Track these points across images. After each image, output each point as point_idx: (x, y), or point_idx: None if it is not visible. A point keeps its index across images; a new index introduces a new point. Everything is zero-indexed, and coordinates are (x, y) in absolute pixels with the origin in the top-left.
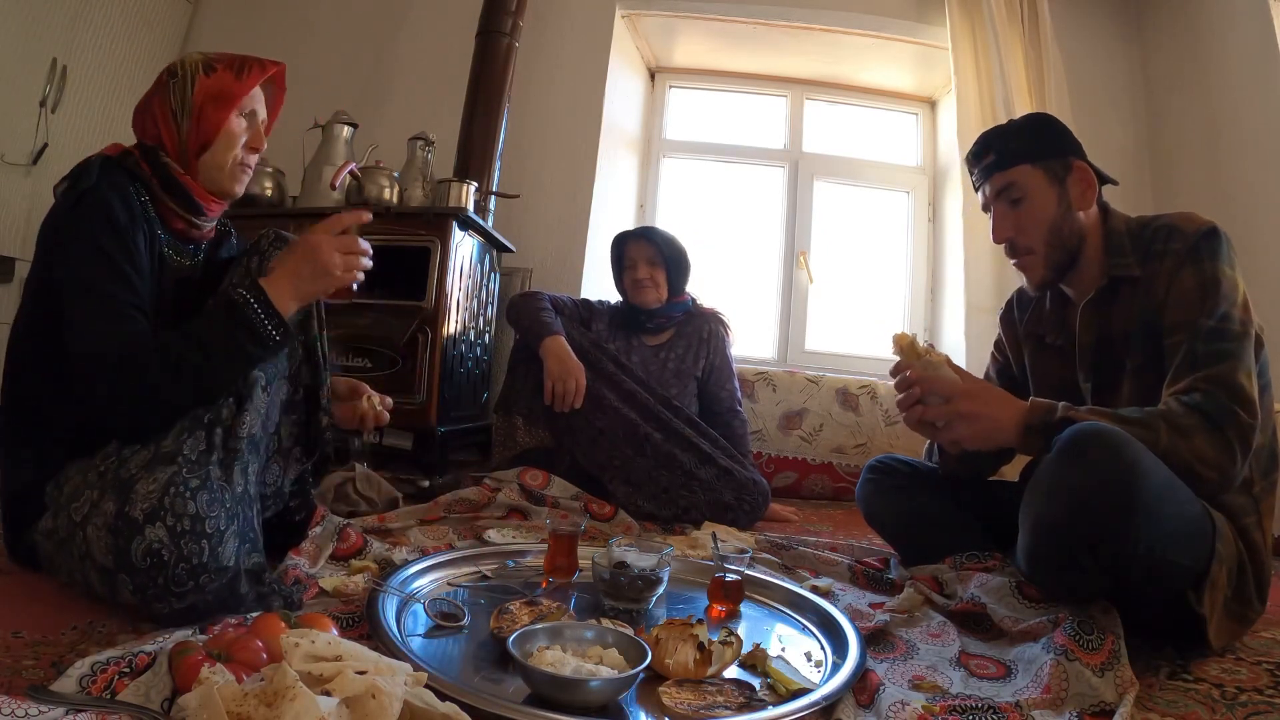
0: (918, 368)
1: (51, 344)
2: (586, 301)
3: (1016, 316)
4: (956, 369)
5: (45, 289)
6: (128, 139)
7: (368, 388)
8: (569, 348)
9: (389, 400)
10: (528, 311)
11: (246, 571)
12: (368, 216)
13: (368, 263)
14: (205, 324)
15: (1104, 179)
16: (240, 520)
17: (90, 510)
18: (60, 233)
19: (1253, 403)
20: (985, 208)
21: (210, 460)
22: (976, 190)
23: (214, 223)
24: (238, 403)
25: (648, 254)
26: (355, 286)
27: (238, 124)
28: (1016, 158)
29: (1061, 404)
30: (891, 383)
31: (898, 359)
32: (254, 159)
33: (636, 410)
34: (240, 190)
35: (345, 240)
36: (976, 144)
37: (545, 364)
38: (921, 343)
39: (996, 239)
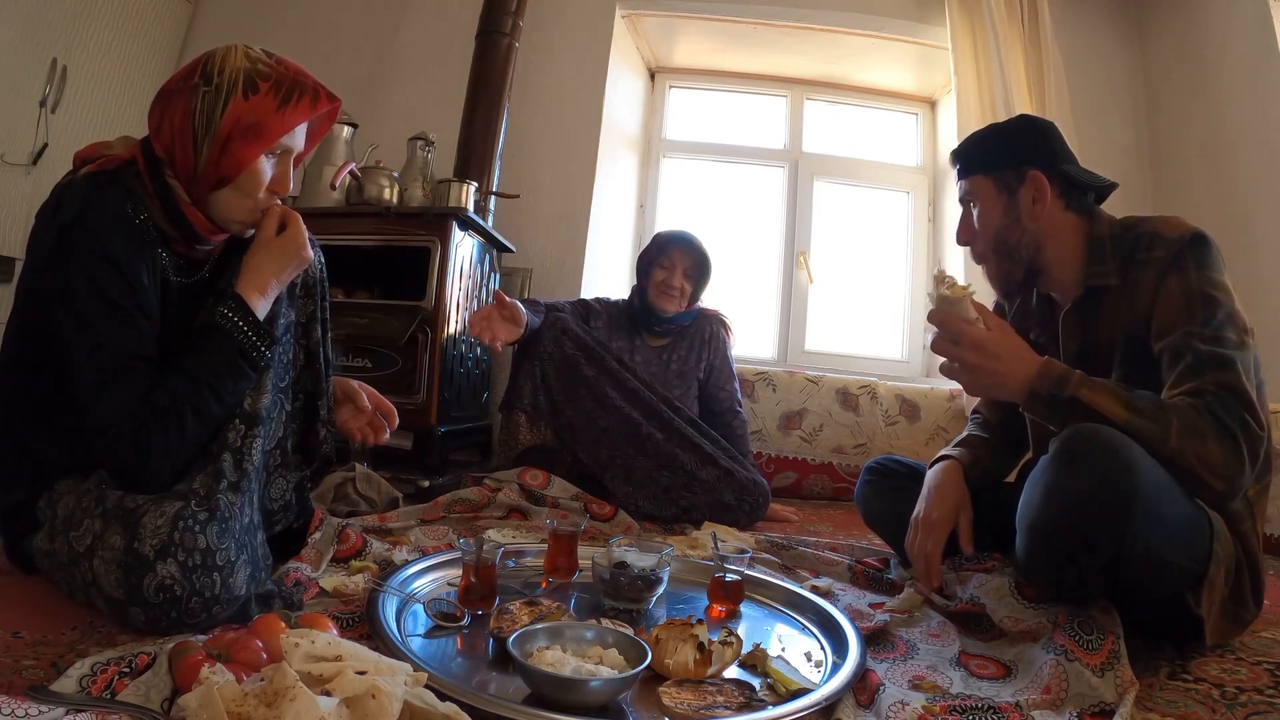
0: (936, 304)
1: (39, 375)
2: (584, 301)
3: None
4: (979, 308)
5: (39, 325)
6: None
7: (365, 397)
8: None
9: (393, 421)
10: None
11: (256, 596)
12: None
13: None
14: (203, 357)
15: (1078, 185)
16: (250, 549)
17: (95, 542)
18: (52, 272)
19: (1260, 414)
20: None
21: (219, 489)
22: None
23: (218, 243)
24: (247, 426)
25: (687, 264)
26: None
27: (265, 165)
28: (972, 168)
29: (1076, 375)
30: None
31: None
32: (274, 201)
33: (639, 409)
34: (248, 231)
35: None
36: (956, 146)
37: None
38: (949, 276)
39: (958, 241)
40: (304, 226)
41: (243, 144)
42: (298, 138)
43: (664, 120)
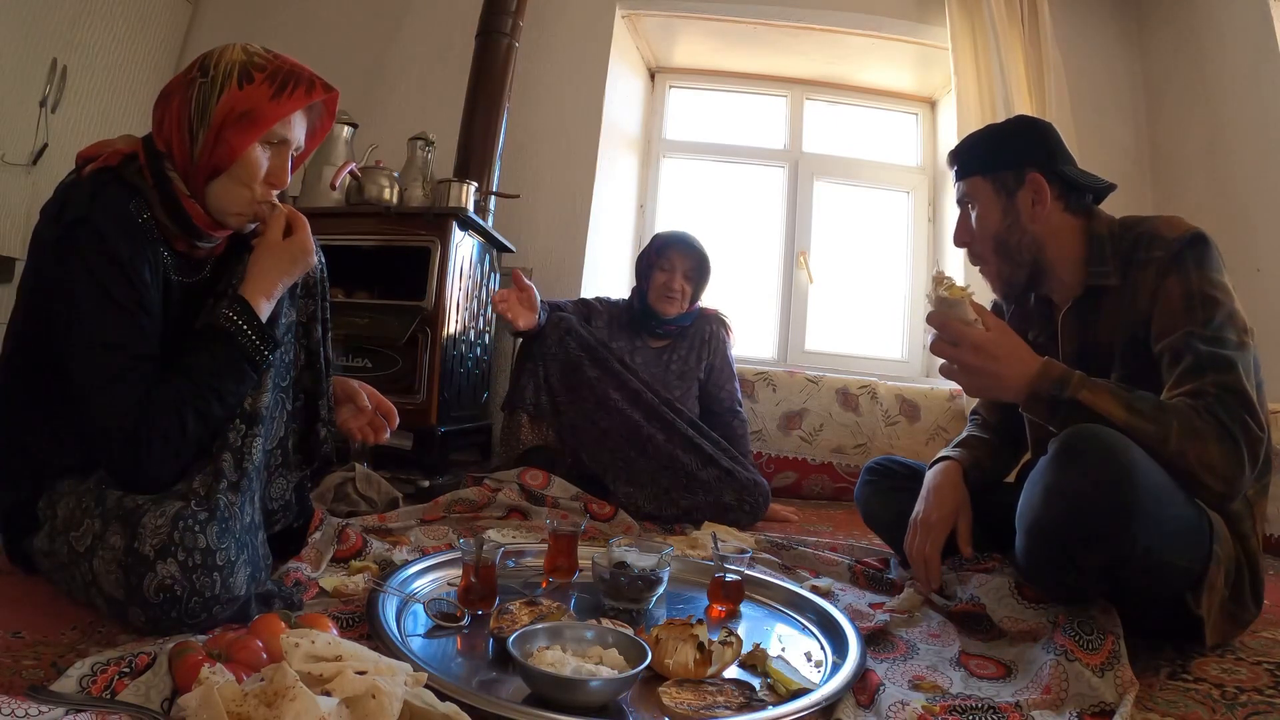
0: (935, 306)
1: (39, 375)
2: (585, 301)
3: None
4: (978, 309)
5: (40, 324)
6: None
7: (365, 397)
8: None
9: (393, 421)
10: None
11: (256, 596)
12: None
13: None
14: (205, 359)
15: (1077, 186)
16: (250, 549)
17: (94, 542)
18: (55, 270)
19: (1260, 416)
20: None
21: (219, 489)
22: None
23: (219, 241)
24: (248, 425)
25: (687, 266)
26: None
27: (259, 155)
28: (970, 169)
29: (1076, 376)
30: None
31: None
32: (272, 195)
33: (641, 410)
34: (248, 227)
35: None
36: (955, 147)
37: None
38: (948, 278)
39: (955, 242)
40: (309, 230)
41: (236, 131)
42: (295, 129)
43: (664, 120)
